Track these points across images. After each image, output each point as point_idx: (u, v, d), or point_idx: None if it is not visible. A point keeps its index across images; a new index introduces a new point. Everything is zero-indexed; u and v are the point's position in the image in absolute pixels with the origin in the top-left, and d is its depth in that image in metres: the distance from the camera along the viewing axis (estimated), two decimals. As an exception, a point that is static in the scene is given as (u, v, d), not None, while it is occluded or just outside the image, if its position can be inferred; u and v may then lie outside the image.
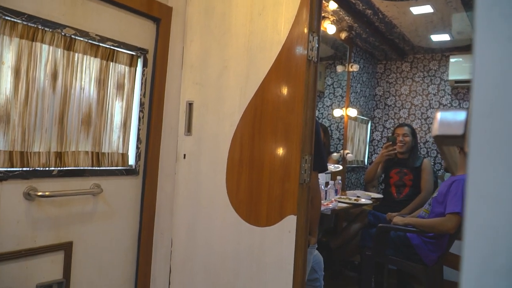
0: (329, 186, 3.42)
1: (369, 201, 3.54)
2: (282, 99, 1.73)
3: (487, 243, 0.29)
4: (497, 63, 0.29)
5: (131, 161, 2.08)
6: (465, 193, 0.31)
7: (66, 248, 1.81)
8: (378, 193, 4.26)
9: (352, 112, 4.49)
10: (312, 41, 1.68)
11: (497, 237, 0.29)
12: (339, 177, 3.77)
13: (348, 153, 4.42)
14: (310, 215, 1.96)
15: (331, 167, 3.62)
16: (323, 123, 4.57)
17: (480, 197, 0.29)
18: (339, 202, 3.23)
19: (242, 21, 1.88)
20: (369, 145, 5.29)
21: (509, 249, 0.28)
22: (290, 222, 1.67)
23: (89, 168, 1.87)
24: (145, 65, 2.09)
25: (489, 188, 0.29)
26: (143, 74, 2.08)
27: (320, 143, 1.98)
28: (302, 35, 1.69)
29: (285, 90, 1.73)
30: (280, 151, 1.72)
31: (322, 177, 3.35)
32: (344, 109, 4.46)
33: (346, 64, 4.45)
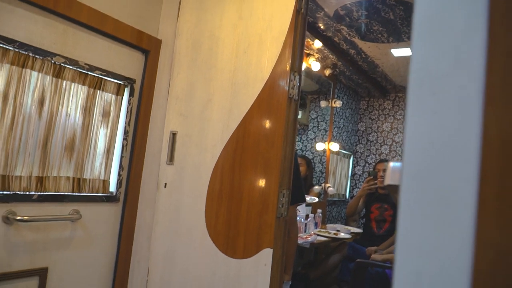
0: (309, 219, 3.45)
1: (348, 236, 3.58)
2: (263, 134, 1.79)
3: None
4: (425, 134, 0.35)
5: (112, 188, 2.09)
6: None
7: (41, 274, 1.79)
8: (359, 227, 4.30)
9: (335, 146, 4.58)
10: (293, 79, 1.76)
11: (420, 283, 0.33)
12: (319, 210, 3.81)
13: (329, 186, 4.48)
14: (286, 249, 1.99)
15: (308, 198, 3.67)
16: (306, 155, 4.65)
17: (408, 248, 0.34)
18: (318, 235, 3.26)
19: (227, 57, 1.96)
20: (350, 179, 5.37)
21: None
22: (266, 255, 1.70)
23: (70, 193, 1.89)
24: (131, 94, 2.14)
25: (416, 241, 0.34)
26: (129, 103, 2.13)
27: (298, 176, 2.03)
28: (284, 73, 1.76)
29: (266, 125, 1.79)
30: (259, 184, 1.77)
31: (303, 210, 3.39)
32: (326, 143, 4.55)
33: (330, 100, 4.57)
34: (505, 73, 0.35)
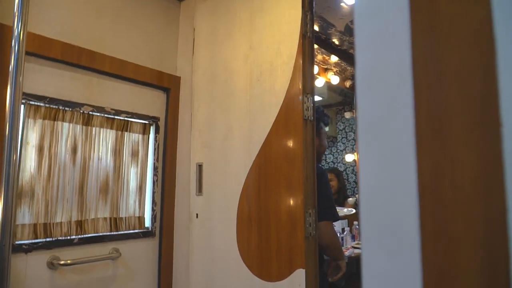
0: (345, 233, 3.44)
1: (387, 245, 3.54)
2: (283, 157, 1.84)
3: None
4: (373, 173, 0.39)
5: (147, 223, 2.19)
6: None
7: (89, 312, 1.89)
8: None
9: (364, 156, 4.56)
10: (306, 101, 1.81)
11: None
12: (355, 223, 3.79)
13: (364, 197, 4.45)
14: (332, 253, 2.03)
15: (345, 210, 3.66)
16: (338, 167, 4.65)
17: (370, 273, 0.38)
18: (356, 248, 3.25)
19: (242, 87, 2.04)
20: (385, 187, 5.30)
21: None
22: (299, 276, 1.73)
23: (108, 233, 1.99)
24: (157, 131, 2.25)
25: (375, 267, 0.38)
26: (155, 140, 2.23)
27: (328, 193, 2.06)
28: (297, 96, 1.82)
29: (285, 148, 1.84)
30: (285, 206, 1.81)
31: (338, 224, 3.38)
32: (355, 153, 4.54)
33: (354, 110, 4.58)
34: (429, 117, 0.40)
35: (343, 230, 3.47)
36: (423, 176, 0.36)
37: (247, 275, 1.90)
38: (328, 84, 4.03)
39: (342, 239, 3.34)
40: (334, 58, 3.62)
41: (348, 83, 4.21)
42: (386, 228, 0.37)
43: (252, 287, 1.88)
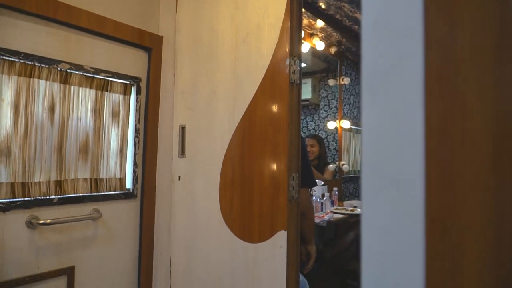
0: (325, 198, 3.49)
1: (365, 211, 3.61)
2: (268, 120, 1.82)
3: (378, 265, 0.37)
4: (377, 124, 0.38)
5: (129, 185, 2.16)
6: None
7: (69, 273, 1.88)
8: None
9: (346, 124, 4.58)
10: (293, 64, 1.78)
11: (384, 260, 0.37)
12: (335, 188, 3.85)
13: (343, 164, 4.50)
14: (306, 227, 2.05)
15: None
16: (319, 134, 4.66)
17: (371, 229, 0.37)
18: (335, 213, 3.31)
19: (228, 48, 1.99)
20: (365, 155, 5.37)
21: (393, 269, 0.36)
22: (281, 238, 1.75)
23: (88, 194, 1.96)
24: (138, 92, 2.19)
25: (377, 222, 0.37)
26: (137, 101, 2.18)
27: (306, 160, 2.07)
28: (284, 59, 1.79)
29: (270, 112, 1.82)
30: (269, 169, 1.81)
31: (318, 190, 3.43)
32: (337, 121, 4.56)
33: (338, 77, 4.56)
34: (441, 65, 0.38)
35: (323, 195, 3.52)
36: (430, 125, 0.34)
37: (229, 237, 1.92)
38: (313, 50, 3.99)
39: (322, 204, 3.39)
40: (320, 23, 3.56)
41: (333, 50, 4.17)
42: (390, 180, 0.36)
43: (233, 248, 1.90)
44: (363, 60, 0.40)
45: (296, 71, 1.79)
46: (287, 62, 1.77)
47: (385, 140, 0.37)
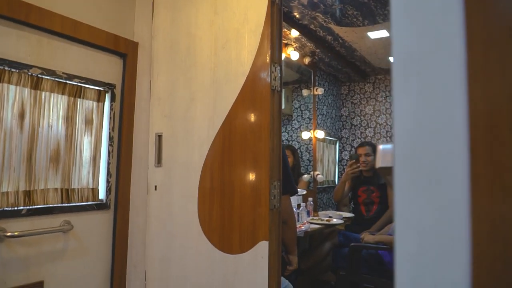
0: (301, 208, 3.47)
1: (341, 221, 3.61)
2: (249, 128, 1.79)
3: (413, 266, 0.34)
4: (412, 114, 0.35)
5: (102, 195, 2.08)
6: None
7: (37, 288, 1.78)
8: (350, 212, 4.34)
9: (320, 134, 4.60)
10: (274, 71, 1.76)
11: (420, 260, 0.34)
12: (310, 199, 3.84)
13: (318, 174, 4.51)
14: (287, 237, 2.01)
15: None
16: (292, 145, 4.66)
17: (406, 227, 0.35)
18: (311, 223, 3.29)
19: (206, 54, 1.95)
20: (338, 165, 5.41)
21: (431, 270, 0.34)
22: (262, 248, 1.71)
23: (59, 205, 1.86)
24: (113, 99, 2.11)
25: (413, 220, 0.34)
26: (111, 109, 2.11)
27: (287, 167, 2.04)
28: (265, 65, 1.76)
29: (251, 119, 1.79)
30: (250, 178, 1.77)
31: (294, 200, 3.40)
32: (311, 131, 4.57)
33: (311, 88, 4.58)
34: (485, 47, 0.36)
35: (298, 206, 3.50)
36: (474, 112, 0.32)
37: (208, 248, 1.86)
38: (286, 60, 4.00)
39: (298, 215, 3.36)
40: (294, 33, 3.58)
41: (307, 60, 4.19)
42: (428, 174, 0.33)
43: (213, 260, 1.84)
44: (394, 44, 0.38)
45: (277, 78, 1.77)
46: (268, 69, 1.75)
47: (421, 131, 0.34)
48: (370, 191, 3.81)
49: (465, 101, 0.32)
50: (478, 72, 0.33)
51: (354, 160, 3.81)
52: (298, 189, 3.78)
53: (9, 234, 1.63)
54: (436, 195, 0.33)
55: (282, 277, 2.12)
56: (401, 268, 0.34)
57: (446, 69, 0.34)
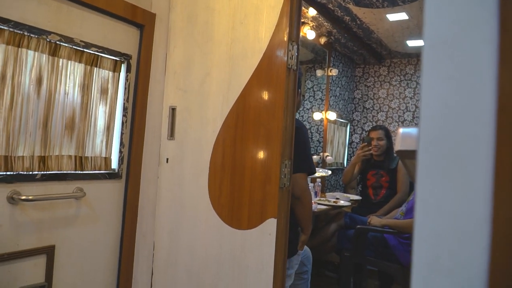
0: (308, 188, 3.49)
1: (347, 203, 3.63)
2: (263, 106, 1.79)
3: (432, 248, 0.35)
4: (440, 98, 0.35)
5: (114, 165, 2.10)
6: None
7: (49, 251, 1.82)
8: (357, 194, 4.35)
9: (332, 115, 4.59)
10: (291, 49, 1.74)
11: (440, 243, 0.35)
12: (318, 180, 3.85)
13: (327, 155, 4.51)
14: (300, 213, 2.02)
15: (320, 170, 3.69)
16: (303, 126, 4.66)
17: (426, 209, 0.35)
18: (319, 204, 3.31)
19: (224, 29, 1.94)
20: (348, 148, 5.40)
21: (450, 253, 0.34)
22: (270, 225, 1.73)
23: (72, 172, 1.90)
24: (128, 70, 2.12)
25: (434, 202, 0.35)
26: (126, 79, 2.11)
27: (307, 146, 2.04)
28: (282, 43, 1.75)
29: (266, 97, 1.79)
30: (261, 155, 1.78)
31: (302, 180, 3.41)
32: (323, 112, 4.55)
33: (326, 68, 4.54)
34: None
35: (306, 186, 3.51)
36: (504, 98, 0.32)
37: (216, 223, 1.89)
38: (302, 39, 3.95)
39: (306, 195, 3.38)
40: (312, 12, 3.52)
41: (323, 40, 4.14)
42: (453, 158, 0.34)
43: (221, 234, 1.87)
44: (425, 27, 0.37)
45: (293, 56, 1.76)
46: (285, 47, 1.73)
47: (448, 115, 0.34)
48: (379, 175, 3.80)
49: (494, 86, 0.32)
50: (510, 57, 0.33)
51: (366, 143, 3.79)
52: (322, 169, 3.79)
53: (23, 197, 1.67)
54: (460, 180, 0.34)
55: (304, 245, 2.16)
56: (419, 250, 0.35)
57: (477, 53, 0.34)
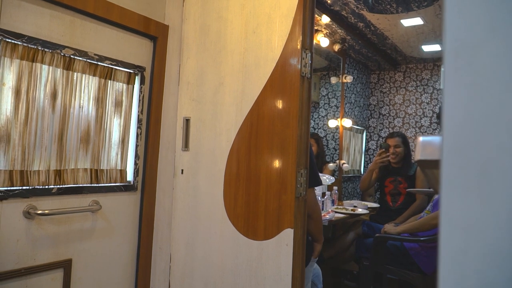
0: (325, 197, 3.45)
1: (365, 211, 3.57)
2: (277, 114, 1.77)
3: (458, 266, 0.32)
4: (463, 106, 0.33)
5: (129, 177, 2.10)
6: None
7: (66, 265, 1.82)
8: (375, 202, 4.28)
9: (347, 122, 4.54)
10: (305, 57, 1.73)
11: (467, 261, 0.32)
12: (335, 188, 3.80)
13: (344, 163, 4.46)
14: (312, 229, 1.98)
15: (325, 177, 3.64)
16: (318, 133, 4.62)
17: (452, 225, 0.33)
18: (336, 212, 3.26)
19: (237, 39, 1.93)
20: (364, 155, 5.34)
21: (477, 272, 0.32)
22: (287, 236, 1.70)
23: (88, 185, 1.90)
24: (142, 82, 2.13)
25: (459, 217, 0.32)
26: (140, 91, 2.12)
27: (312, 158, 2.01)
28: (296, 51, 1.73)
29: (280, 106, 1.77)
30: (276, 165, 1.76)
31: (319, 188, 3.37)
32: (339, 119, 4.51)
33: (340, 75, 4.51)
34: None
35: (323, 194, 3.47)
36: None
37: (232, 233, 1.86)
38: (315, 47, 3.93)
39: (323, 203, 3.34)
40: (325, 19, 3.51)
41: (337, 47, 4.12)
42: (478, 169, 0.31)
43: (237, 245, 1.84)
44: (446, 31, 0.35)
45: (307, 65, 1.74)
46: (299, 55, 1.72)
47: (472, 124, 0.32)
48: (397, 182, 3.74)
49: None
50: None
51: (383, 150, 3.74)
52: (328, 176, 3.74)
53: (39, 212, 1.67)
54: (486, 191, 0.31)
55: (314, 262, 2.12)
56: (445, 267, 0.33)
57: (500, 59, 0.32)
